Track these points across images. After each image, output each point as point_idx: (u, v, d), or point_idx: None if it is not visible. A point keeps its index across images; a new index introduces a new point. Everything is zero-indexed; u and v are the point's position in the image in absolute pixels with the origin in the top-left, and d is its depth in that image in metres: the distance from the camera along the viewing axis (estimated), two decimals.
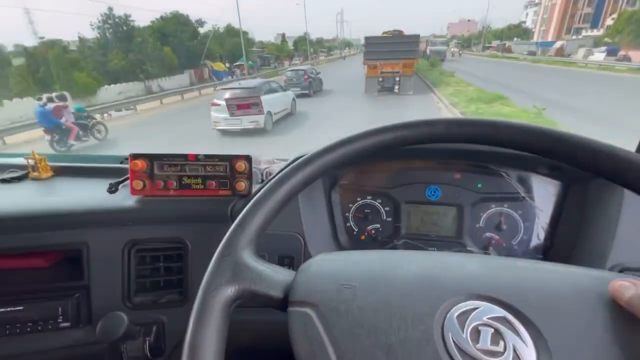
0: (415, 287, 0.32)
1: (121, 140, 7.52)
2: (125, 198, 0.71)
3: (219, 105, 6.56)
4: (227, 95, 6.63)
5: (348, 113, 8.79)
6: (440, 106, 9.59)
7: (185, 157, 0.70)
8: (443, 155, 0.72)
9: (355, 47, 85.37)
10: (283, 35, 50.45)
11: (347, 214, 0.79)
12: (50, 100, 6.69)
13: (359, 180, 0.78)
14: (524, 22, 70.29)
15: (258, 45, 41.67)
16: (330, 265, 0.37)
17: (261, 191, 0.41)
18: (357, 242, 0.78)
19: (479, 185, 0.72)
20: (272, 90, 7.88)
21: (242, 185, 0.69)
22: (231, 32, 34.67)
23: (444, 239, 0.74)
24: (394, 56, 11.99)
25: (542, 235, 0.70)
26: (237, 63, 26.98)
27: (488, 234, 0.72)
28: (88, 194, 0.78)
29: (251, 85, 7.82)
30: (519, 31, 63.33)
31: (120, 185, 0.76)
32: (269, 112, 7.18)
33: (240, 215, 0.40)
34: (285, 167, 0.43)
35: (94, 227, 0.69)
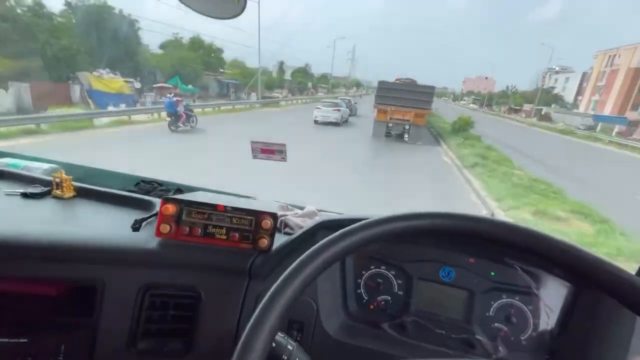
0: None
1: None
2: (148, 239, 0.73)
3: (320, 108, 15.45)
4: (322, 104, 16.14)
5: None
6: None
7: (214, 207, 0.73)
8: (460, 238, 0.74)
9: (364, 87, 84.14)
10: (281, 64, 42.55)
11: (358, 280, 0.80)
12: (174, 95, 11.88)
13: (375, 248, 0.79)
14: (554, 87, 61.29)
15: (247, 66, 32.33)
16: None
17: (300, 260, 0.43)
18: (366, 312, 0.78)
19: (492, 274, 0.74)
20: (342, 105, 16.97)
21: (264, 242, 0.73)
22: (195, 45, 26.83)
23: (453, 323, 0.75)
24: (406, 104, 12.11)
25: (551, 336, 0.71)
26: (160, 84, 18.71)
27: (497, 325, 0.73)
28: (110, 226, 0.80)
29: (335, 101, 18.25)
30: (550, 97, 54.27)
31: (144, 223, 0.79)
32: (342, 115, 15.99)
33: (279, 282, 0.41)
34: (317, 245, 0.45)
35: (113, 265, 0.70)
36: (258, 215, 0.74)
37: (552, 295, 0.71)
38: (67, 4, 17.45)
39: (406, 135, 12.66)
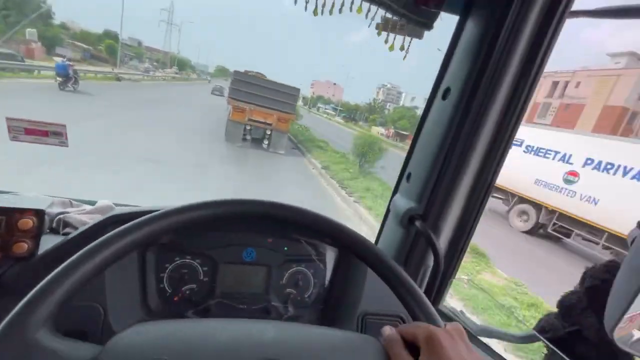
0: (224, 355, 0.39)
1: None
2: None
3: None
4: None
5: None
6: None
7: None
8: (259, 222, 0.83)
9: (198, 72, 66.61)
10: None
11: (161, 275, 0.78)
12: (67, 59, 14.15)
13: (179, 240, 0.80)
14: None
15: None
16: (141, 339, 0.39)
17: (76, 256, 0.40)
18: (169, 305, 0.78)
19: (286, 249, 0.88)
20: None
21: (22, 246, 0.62)
22: None
23: (254, 296, 0.85)
24: (269, 105, 10.54)
25: (325, 290, 0.92)
26: None
27: (288, 290, 0.88)
28: None
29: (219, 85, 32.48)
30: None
31: None
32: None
33: (43, 284, 0.37)
34: (108, 235, 0.44)
35: None
36: (14, 213, 0.62)
37: (327, 259, 0.92)
38: None
39: (265, 142, 11.15)
